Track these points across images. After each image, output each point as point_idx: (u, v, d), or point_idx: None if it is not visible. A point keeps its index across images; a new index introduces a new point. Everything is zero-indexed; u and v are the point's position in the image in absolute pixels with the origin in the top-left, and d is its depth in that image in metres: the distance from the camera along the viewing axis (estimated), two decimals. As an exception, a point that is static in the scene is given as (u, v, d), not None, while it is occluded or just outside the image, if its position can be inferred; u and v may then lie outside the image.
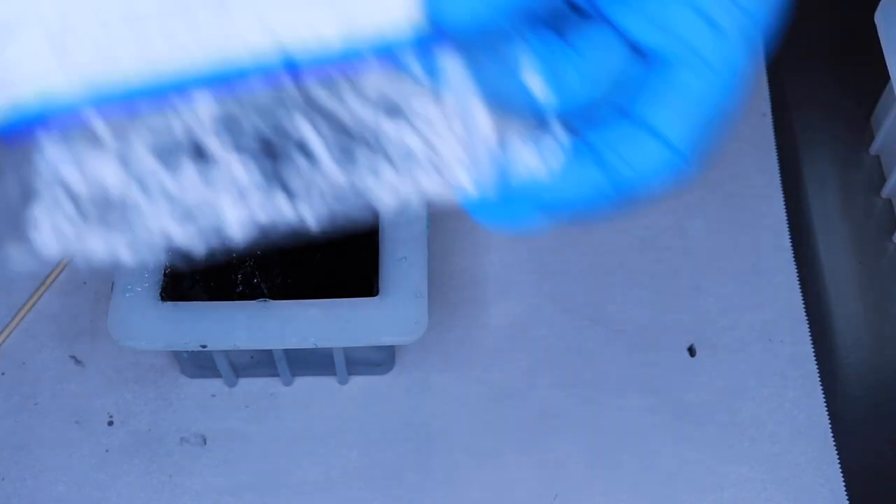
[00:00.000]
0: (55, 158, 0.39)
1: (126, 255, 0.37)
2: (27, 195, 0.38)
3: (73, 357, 0.74)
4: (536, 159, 0.38)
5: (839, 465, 0.71)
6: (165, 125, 0.39)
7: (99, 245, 0.38)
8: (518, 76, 0.38)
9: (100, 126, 0.40)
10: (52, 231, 0.38)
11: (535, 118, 0.38)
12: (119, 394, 0.73)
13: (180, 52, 0.39)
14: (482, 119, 0.38)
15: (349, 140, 0.39)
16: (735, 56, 0.38)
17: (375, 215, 0.69)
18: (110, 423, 0.72)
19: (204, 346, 0.66)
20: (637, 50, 0.38)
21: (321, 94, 0.40)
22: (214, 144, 0.39)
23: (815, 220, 0.80)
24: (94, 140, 0.40)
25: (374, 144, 0.39)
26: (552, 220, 0.37)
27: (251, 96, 0.40)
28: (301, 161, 0.39)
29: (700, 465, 0.71)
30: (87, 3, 0.40)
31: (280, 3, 0.40)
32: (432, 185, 0.38)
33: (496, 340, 0.75)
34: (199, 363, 0.72)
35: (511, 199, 0.37)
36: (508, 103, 0.38)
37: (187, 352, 0.70)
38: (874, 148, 0.82)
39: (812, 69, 0.86)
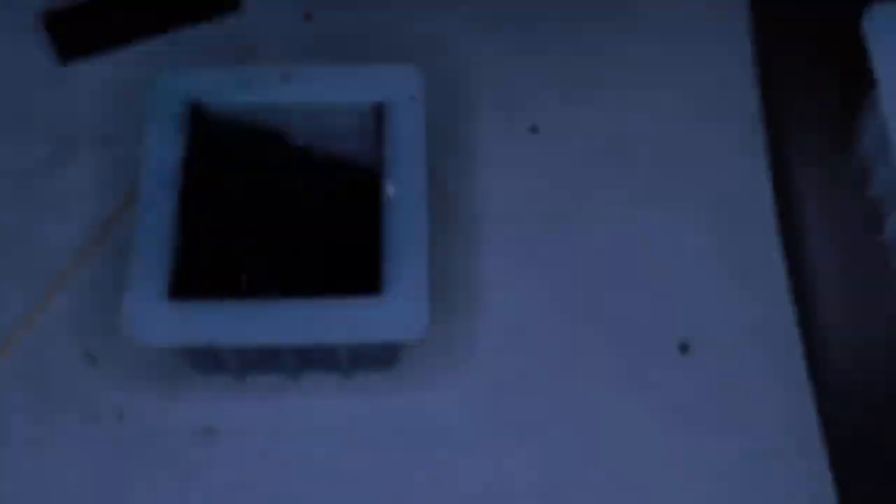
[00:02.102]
0: None
1: None
2: None
3: (86, 354, 0.75)
4: None
5: (827, 460, 0.71)
6: None
7: None
8: None
9: None
10: None
11: None
12: (130, 390, 0.74)
13: None
14: None
15: None
16: None
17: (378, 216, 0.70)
18: (121, 418, 0.73)
19: (213, 343, 0.67)
20: None
21: None
22: None
23: (804, 220, 0.81)
24: None
25: None
26: None
27: None
28: None
29: (694, 459, 0.72)
30: None
31: None
32: None
33: (496, 340, 0.76)
34: (208, 360, 0.72)
35: None
36: None
37: (196, 348, 0.71)
38: (861, 149, 0.82)
39: (800, 73, 0.87)
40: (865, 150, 0.82)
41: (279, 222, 0.78)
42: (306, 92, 0.75)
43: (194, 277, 0.73)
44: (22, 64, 0.87)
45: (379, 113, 0.75)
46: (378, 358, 0.74)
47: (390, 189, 0.71)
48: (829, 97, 0.86)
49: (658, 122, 0.85)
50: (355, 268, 0.74)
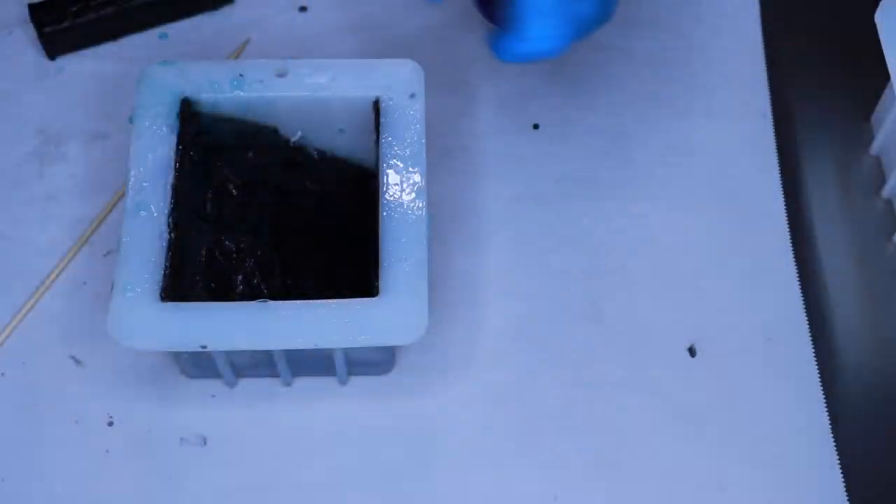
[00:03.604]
0: None
1: None
2: None
3: (73, 357, 0.74)
4: None
5: (839, 466, 0.71)
6: None
7: None
8: None
9: None
10: None
11: None
12: (119, 394, 0.73)
13: None
14: None
15: None
16: None
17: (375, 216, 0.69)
18: (110, 424, 0.72)
19: (204, 347, 0.66)
20: None
21: None
22: None
23: (815, 220, 0.80)
24: None
25: None
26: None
27: None
28: None
29: (700, 465, 0.71)
30: None
31: None
32: None
33: (496, 340, 0.75)
34: (199, 364, 0.72)
35: None
36: None
37: (187, 352, 0.70)
38: (874, 148, 0.82)
39: (812, 69, 0.86)
40: (879, 148, 0.81)
41: (273, 222, 0.77)
42: (301, 87, 0.74)
43: (185, 279, 0.72)
44: (7, 58, 0.86)
45: (377, 109, 0.74)
46: (375, 362, 0.73)
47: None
48: (841, 93, 0.85)
49: (664, 120, 0.84)
50: (352, 269, 0.73)
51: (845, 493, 0.70)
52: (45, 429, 0.72)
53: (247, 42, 0.87)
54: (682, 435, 0.72)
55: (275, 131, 0.76)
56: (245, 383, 0.73)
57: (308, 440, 0.72)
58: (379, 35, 0.87)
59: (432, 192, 0.75)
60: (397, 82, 0.74)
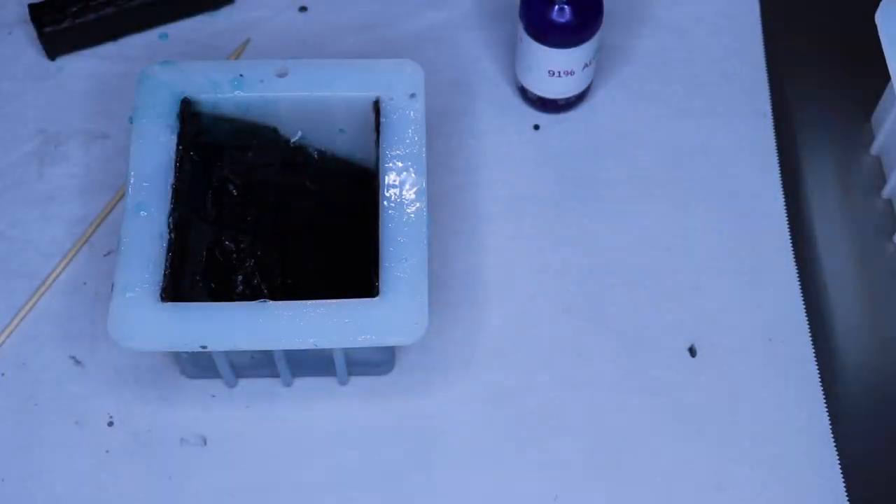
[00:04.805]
0: None
1: None
2: None
3: (73, 358, 0.74)
4: None
5: (839, 465, 0.71)
6: None
7: None
8: None
9: None
10: None
11: None
12: (119, 394, 0.73)
13: None
14: None
15: None
16: None
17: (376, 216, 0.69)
18: (110, 424, 0.72)
19: (204, 347, 0.66)
20: None
21: None
22: None
23: (815, 221, 0.80)
24: None
25: None
26: None
27: None
28: None
29: (700, 465, 0.71)
30: None
31: None
32: None
33: (496, 340, 0.75)
34: (199, 364, 0.72)
35: None
36: None
37: (187, 352, 0.70)
38: (874, 148, 0.82)
39: (812, 69, 0.86)
40: (879, 148, 0.81)
41: (274, 221, 0.77)
42: (302, 87, 0.74)
43: (185, 279, 0.71)
44: (7, 58, 0.86)
45: (377, 108, 0.74)
46: (375, 362, 0.73)
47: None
48: (841, 93, 0.85)
49: (665, 119, 0.84)
50: (352, 269, 0.73)
51: (845, 493, 0.70)
52: (45, 429, 0.72)
53: (247, 42, 0.87)
54: (682, 435, 0.72)
55: (275, 131, 0.76)
56: (245, 383, 0.73)
57: (308, 440, 0.72)
58: (379, 35, 0.87)
59: (432, 192, 0.75)
60: (397, 82, 0.74)
